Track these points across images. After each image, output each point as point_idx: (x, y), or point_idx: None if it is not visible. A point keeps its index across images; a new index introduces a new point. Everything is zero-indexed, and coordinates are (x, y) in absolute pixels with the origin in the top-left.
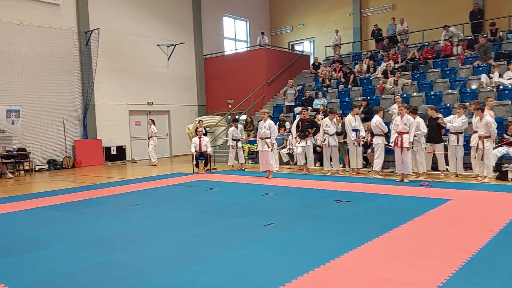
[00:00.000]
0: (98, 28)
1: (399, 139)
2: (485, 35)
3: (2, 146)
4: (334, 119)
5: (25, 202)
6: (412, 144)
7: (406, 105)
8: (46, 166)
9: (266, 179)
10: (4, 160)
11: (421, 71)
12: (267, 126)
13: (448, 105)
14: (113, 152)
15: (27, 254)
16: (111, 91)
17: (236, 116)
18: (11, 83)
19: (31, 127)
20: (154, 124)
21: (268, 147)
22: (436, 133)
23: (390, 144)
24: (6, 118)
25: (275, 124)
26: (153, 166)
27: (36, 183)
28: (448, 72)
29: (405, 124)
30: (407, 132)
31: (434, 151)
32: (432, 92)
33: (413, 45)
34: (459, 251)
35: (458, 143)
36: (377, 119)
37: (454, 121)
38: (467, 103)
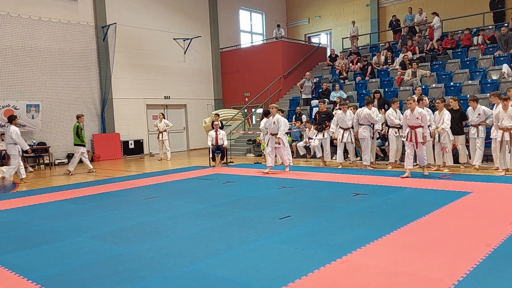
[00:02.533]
0: (115, 23)
1: (412, 133)
2: (506, 25)
3: None
4: (349, 111)
5: (44, 195)
6: (436, 137)
7: (414, 97)
8: (66, 160)
9: (283, 172)
10: (24, 154)
11: (440, 62)
12: (275, 122)
13: (468, 96)
14: (131, 146)
15: (45, 245)
16: (129, 85)
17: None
18: (30, 78)
19: (50, 122)
20: (165, 118)
21: (279, 143)
22: (458, 124)
23: (402, 138)
24: (26, 113)
25: (292, 117)
26: (168, 160)
27: (56, 176)
28: (468, 62)
29: (417, 118)
30: (420, 126)
31: (455, 143)
32: (451, 83)
33: None
34: (479, 245)
35: (478, 135)
36: (388, 112)
37: (470, 115)
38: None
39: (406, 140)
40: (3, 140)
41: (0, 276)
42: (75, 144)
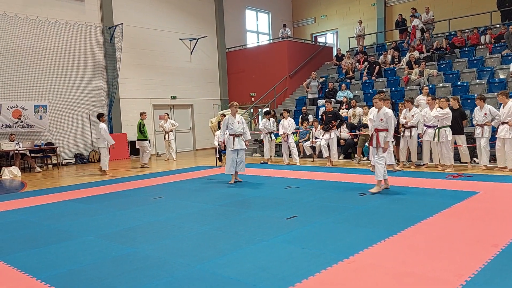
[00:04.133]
0: (122, 23)
1: (374, 137)
2: None
3: (31, 141)
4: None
5: (53, 195)
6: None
7: (382, 95)
8: (73, 160)
9: (289, 171)
10: (32, 155)
11: (447, 61)
12: (240, 121)
13: (475, 95)
14: (138, 146)
15: (54, 245)
16: (135, 85)
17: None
18: (38, 79)
19: (58, 122)
20: (170, 118)
21: (246, 145)
22: (459, 124)
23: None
24: (34, 113)
25: (298, 117)
26: (174, 161)
27: (64, 176)
28: (475, 61)
29: (381, 119)
30: (385, 130)
31: (455, 143)
32: (459, 83)
33: (439, 34)
34: (487, 245)
35: (483, 135)
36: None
37: (476, 114)
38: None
39: (368, 144)
40: (12, 140)
41: (9, 275)
42: (138, 140)
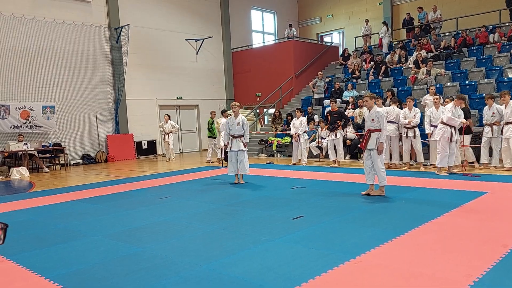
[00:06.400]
0: (128, 24)
1: (366, 138)
2: None
3: (39, 141)
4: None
5: (60, 195)
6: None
7: (373, 94)
8: (81, 161)
9: (295, 172)
10: (40, 155)
11: (455, 60)
12: (240, 123)
13: (483, 94)
14: (144, 147)
15: (62, 244)
16: (141, 86)
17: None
18: (45, 80)
19: (65, 123)
20: (171, 119)
21: (245, 146)
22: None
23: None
24: (41, 114)
25: (304, 117)
26: (171, 161)
27: (71, 177)
28: (483, 60)
29: (373, 119)
30: (377, 130)
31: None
32: (467, 82)
33: (447, 33)
34: (496, 246)
35: (492, 135)
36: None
37: (485, 113)
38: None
39: (360, 146)
40: (20, 141)
41: (18, 274)
42: (208, 137)
